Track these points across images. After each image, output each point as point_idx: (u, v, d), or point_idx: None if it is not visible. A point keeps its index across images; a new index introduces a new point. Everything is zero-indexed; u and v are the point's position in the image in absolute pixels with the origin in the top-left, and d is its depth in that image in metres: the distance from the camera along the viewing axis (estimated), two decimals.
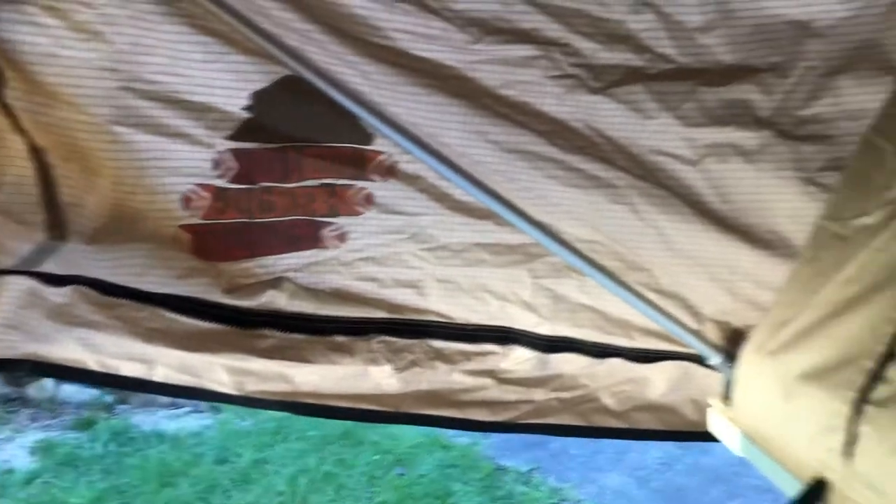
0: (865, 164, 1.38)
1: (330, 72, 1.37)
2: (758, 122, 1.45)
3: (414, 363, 1.61)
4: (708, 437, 1.59)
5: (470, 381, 1.64)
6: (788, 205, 1.48)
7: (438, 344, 1.62)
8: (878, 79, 1.42)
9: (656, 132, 1.45)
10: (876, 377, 1.13)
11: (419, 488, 5.18)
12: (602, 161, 1.46)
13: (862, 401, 1.13)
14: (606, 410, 1.69)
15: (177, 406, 6.23)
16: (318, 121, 1.44)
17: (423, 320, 1.60)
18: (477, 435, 5.85)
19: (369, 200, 1.49)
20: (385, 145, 1.46)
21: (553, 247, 1.51)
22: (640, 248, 1.51)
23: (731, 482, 5.09)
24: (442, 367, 1.63)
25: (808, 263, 1.40)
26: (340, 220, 1.50)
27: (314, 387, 1.59)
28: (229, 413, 6.14)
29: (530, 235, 1.50)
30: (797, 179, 1.47)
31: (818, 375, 1.24)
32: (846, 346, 1.21)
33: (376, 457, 5.51)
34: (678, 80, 1.43)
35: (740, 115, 1.45)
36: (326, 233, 1.50)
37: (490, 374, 1.65)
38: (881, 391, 1.12)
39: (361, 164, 1.47)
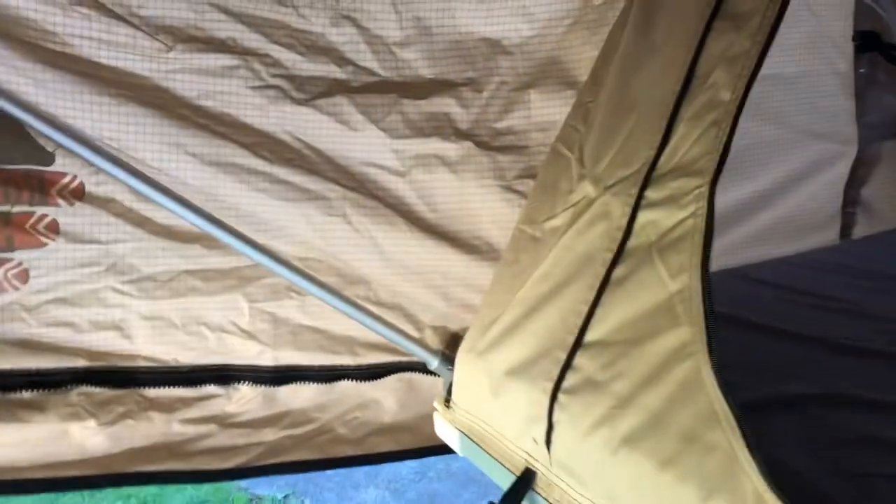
0: (553, 171, 1.49)
1: None
2: (458, 134, 1.51)
3: (124, 416, 1.44)
4: (446, 450, 1.60)
5: (192, 430, 1.50)
6: (490, 211, 1.56)
7: (152, 392, 1.46)
8: (562, 93, 1.55)
9: (364, 144, 1.46)
10: (567, 366, 1.21)
11: None
12: (312, 173, 1.43)
13: (556, 390, 1.20)
14: (342, 440, 1.63)
15: None
16: None
17: (131, 367, 1.44)
18: None
19: (53, 229, 1.33)
20: (69, 165, 1.33)
21: (269, 265, 1.44)
22: (356, 261, 1.51)
23: (482, 483, 5.28)
24: (158, 417, 1.47)
25: (509, 265, 1.48)
26: (19, 255, 1.32)
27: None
28: None
29: (244, 256, 1.43)
30: (497, 187, 1.55)
31: (520, 370, 1.30)
32: (542, 339, 1.28)
33: (118, 502, 5.07)
34: (381, 92, 1.46)
35: (442, 128, 1.50)
36: (3, 273, 1.32)
37: (214, 419, 1.52)
38: (571, 379, 1.19)
39: (41, 187, 1.31)
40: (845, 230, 2.09)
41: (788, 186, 1.97)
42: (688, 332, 1.04)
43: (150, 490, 5.25)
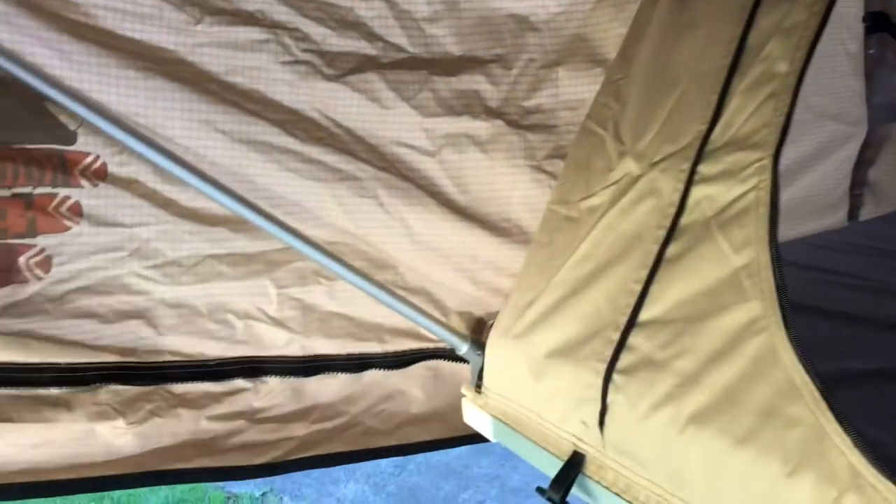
0: (586, 150, 1.46)
1: (18, 52, 1.15)
2: (488, 112, 1.48)
3: (153, 413, 1.37)
4: (481, 438, 1.53)
5: (221, 427, 1.44)
6: (520, 193, 1.52)
7: (180, 388, 1.40)
8: (590, 71, 1.53)
9: (395, 122, 1.42)
10: (621, 346, 1.18)
11: None
12: (343, 152, 1.38)
13: (610, 371, 1.18)
14: (374, 432, 1.59)
15: None
16: (6, 117, 1.20)
17: (159, 362, 1.38)
18: None
19: (76, 211, 1.26)
20: (91, 145, 1.26)
21: (300, 247, 1.39)
22: (385, 244, 1.46)
23: (462, 475, 5.29)
24: (187, 414, 1.41)
25: (544, 247, 1.44)
26: (42, 241, 1.25)
27: (24, 462, 1.29)
28: None
29: (273, 238, 1.38)
30: (527, 168, 1.52)
31: (566, 352, 1.27)
32: (589, 320, 1.25)
33: (91, 503, 4.94)
34: (412, 69, 1.42)
35: (472, 106, 1.47)
36: (25, 261, 1.24)
37: (242, 415, 1.46)
38: (626, 359, 1.16)
39: (64, 167, 1.24)
40: (852, 212, 2.10)
41: (800, 168, 1.98)
42: (758, 307, 1.02)
43: (124, 491, 5.14)
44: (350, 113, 1.38)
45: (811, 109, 1.93)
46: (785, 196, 1.97)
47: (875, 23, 2.01)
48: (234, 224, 1.36)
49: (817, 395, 0.91)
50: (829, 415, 0.89)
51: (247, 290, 1.41)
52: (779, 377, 0.96)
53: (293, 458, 1.49)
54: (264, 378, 1.45)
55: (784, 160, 1.96)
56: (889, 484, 0.82)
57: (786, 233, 1.97)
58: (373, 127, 1.40)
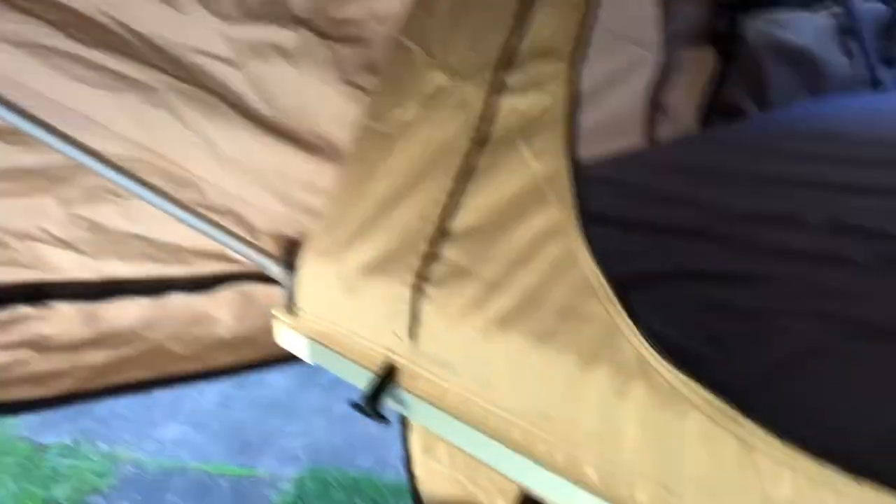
0: (398, 64, 1.44)
1: None
2: (296, 21, 1.40)
3: None
4: (293, 359, 1.52)
5: (3, 357, 1.34)
6: (331, 108, 1.48)
7: None
8: None
9: (194, 29, 1.31)
10: (429, 257, 1.19)
11: None
12: (135, 60, 1.27)
13: (420, 281, 1.19)
14: (178, 357, 1.53)
15: None
16: None
17: None
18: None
19: None
20: None
21: (88, 163, 1.26)
22: (186, 160, 1.38)
23: (289, 408, 5.26)
24: None
25: (356, 163, 1.42)
26: None
27: None
28: None
29: (57, 153, 1.25)
30: (337, 81, 1.47)
31: (378, 266, 1.27)
32: (400, 233, 1.25)
33: None
34: None
35: (278, 14, 1.39)
36: None
37: (28, 344, 1.36)
38: (435, 270, 1.18)
39: None
40: (650, 134, 2.24)
41: (598, 90, 2.06)
42: (557, 212, 1.06)
43: None
44: (142, 17, 1.26)
45: (609, 33, 2.01)
46: (585, 118, 2.07)
47: None
48: (10, 136, 1.23)
49: (610, 293, 0.97)
50: (620, 310, 0.95)
51: (27, 208, 1.29)
52: (576, 278, 1.01)
53: (88, 388, 1.39)
54: (51, 303, 1.34)
55: (584, 82, 2.05)
56: (670, 367, 0.88)
57: (585, 153, 2.06)
58: (169, 34, 1.29)
